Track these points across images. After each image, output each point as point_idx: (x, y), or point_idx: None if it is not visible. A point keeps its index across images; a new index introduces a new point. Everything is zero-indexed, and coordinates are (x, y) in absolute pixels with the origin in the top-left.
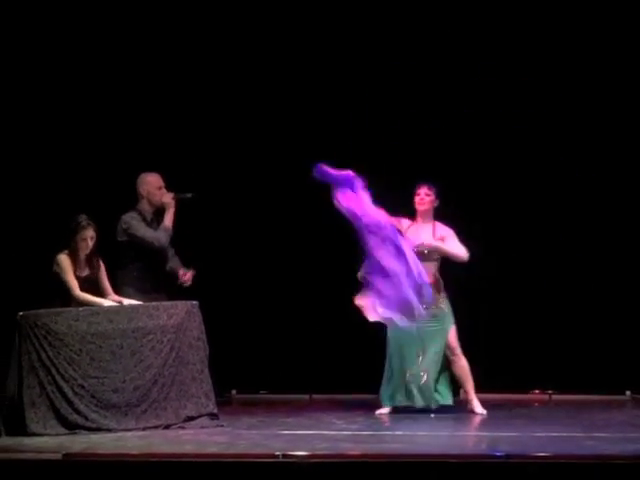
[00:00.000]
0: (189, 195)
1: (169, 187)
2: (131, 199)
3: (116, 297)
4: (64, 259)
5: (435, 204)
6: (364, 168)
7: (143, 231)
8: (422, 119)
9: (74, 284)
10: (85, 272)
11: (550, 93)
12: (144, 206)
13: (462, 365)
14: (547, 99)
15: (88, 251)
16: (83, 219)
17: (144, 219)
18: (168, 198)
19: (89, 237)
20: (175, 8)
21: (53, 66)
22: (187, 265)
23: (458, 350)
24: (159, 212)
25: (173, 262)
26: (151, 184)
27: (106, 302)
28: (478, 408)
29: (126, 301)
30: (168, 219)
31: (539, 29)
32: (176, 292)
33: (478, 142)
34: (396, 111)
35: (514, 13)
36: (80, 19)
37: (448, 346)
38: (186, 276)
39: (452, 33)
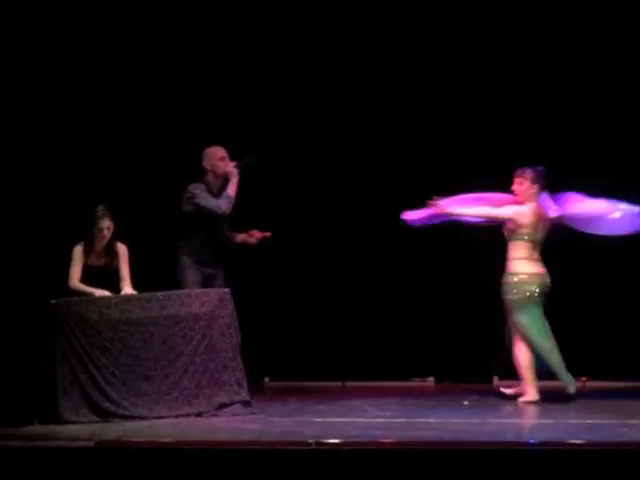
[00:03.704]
0: (248, 159)
1: (233, 158)
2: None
3: (128, 287)
4: (77, 250)
5: (532, 190)
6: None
7: (206, 200)
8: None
9: (74, 274)
10: (101, 261)
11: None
12: (209, 179)
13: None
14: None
15: (105, 241)
16: (100, 210)
17: (210, 191)
18: (231, 167)
19: (105, 227)
20: None
21: (91, 54)
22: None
23: None
24: (224, 184)
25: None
26: (214, 156)
27: (97, 292)
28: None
29: (127, 290)
30: (231, 187)
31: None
32: (231, 269)
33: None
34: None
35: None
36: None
37: None
38: (256, 234)
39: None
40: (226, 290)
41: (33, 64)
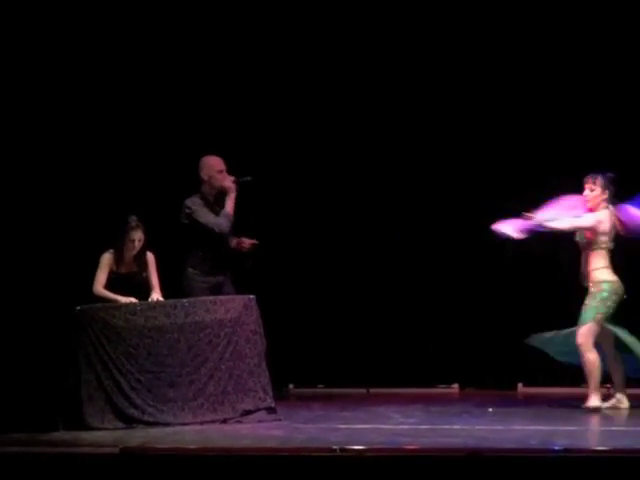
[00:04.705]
0: (248, 178)
1: (230, 171)
2: (194, 184)
3: (158, 295)
4: (105, 257)
5: (603, 196)
6: None
7: (205, 217)
8: None
9: (99, 280)
10: (129, 269)
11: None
12: (206, 189)
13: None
14: None
15: (134, 252)
16: (133, 220)
17: (206, 203)
18: (229, 182)
19: (137, 239)
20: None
21: (103, 59)
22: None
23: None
24: (220, 195)
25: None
26: (212, 167)
27: (122, 299)
28: (590, 402)
29: (155, 297)
30: (229, 205)
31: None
32: (240, 275)
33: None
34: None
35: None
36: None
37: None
38: (245, 243)
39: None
40: (251, 297)
41: (63, 78)
